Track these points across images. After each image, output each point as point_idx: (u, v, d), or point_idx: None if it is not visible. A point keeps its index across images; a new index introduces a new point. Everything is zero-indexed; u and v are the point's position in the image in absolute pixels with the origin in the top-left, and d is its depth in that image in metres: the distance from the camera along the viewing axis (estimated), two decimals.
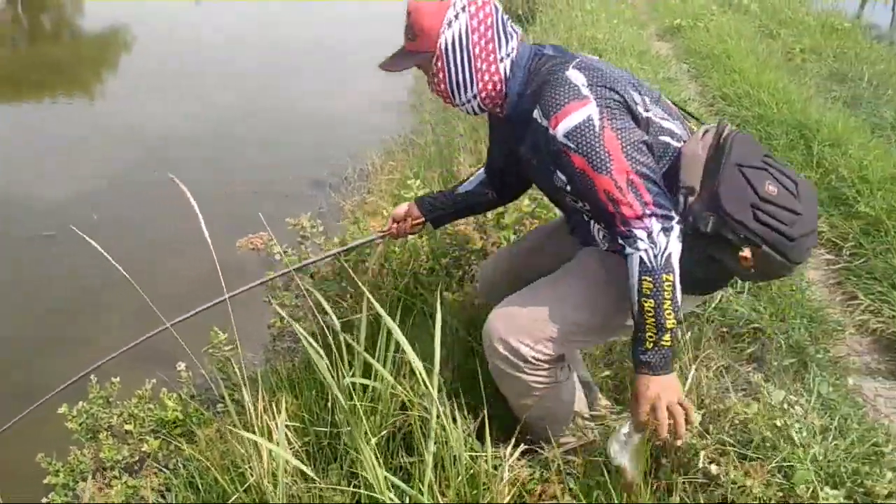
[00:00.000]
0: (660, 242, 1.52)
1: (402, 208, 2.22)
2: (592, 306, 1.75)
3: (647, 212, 1.53)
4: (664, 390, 1.52)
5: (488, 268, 2.24)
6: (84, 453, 2.34)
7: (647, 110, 1.67)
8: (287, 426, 1.87)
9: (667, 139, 1.69)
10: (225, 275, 1.96)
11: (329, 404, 1.93)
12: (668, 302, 1.52)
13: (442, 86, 1.74)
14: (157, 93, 8.61)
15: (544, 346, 1.71)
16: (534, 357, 1.71)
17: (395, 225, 2.24)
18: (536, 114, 1.63)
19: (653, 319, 1.52)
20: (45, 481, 2.23)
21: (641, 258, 1.53)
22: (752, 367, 2.41)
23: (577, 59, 1.67)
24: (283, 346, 3.18)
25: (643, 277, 1.52)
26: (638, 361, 1.56)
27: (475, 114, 1.82)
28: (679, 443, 1.58)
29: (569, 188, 1.67)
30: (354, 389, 1.71)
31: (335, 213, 5.01)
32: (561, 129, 1.57)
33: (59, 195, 5.53)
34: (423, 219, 2.18)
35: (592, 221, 1.79)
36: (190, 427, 2.45)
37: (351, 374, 1.76)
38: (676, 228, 1.55)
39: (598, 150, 1.55)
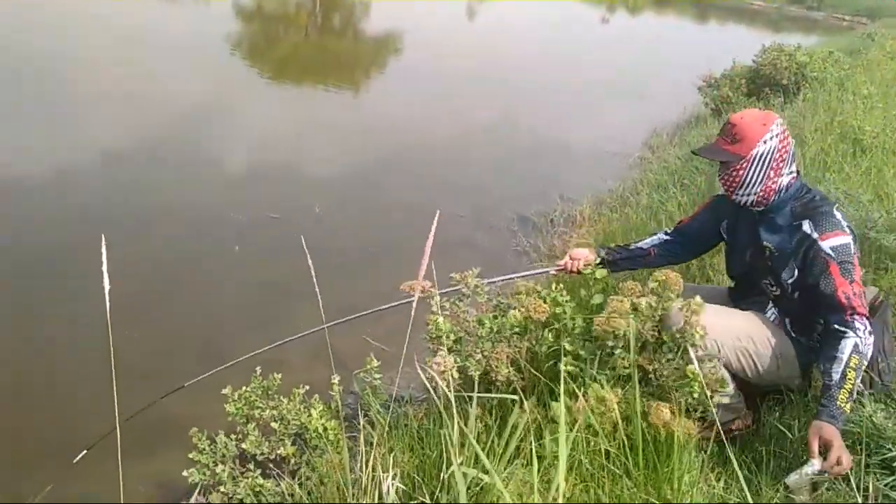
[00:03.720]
0: (868, 335, 2.07)
1: (581, 250, 2.73)
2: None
3: (866, 314, 2.11)
4: (841, 439, 1.94)
5: None
6: (231, 439, 2.52)
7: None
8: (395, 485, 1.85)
9: None
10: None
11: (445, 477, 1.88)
12: (859, 378, 2.03)
13: (736, 181, 2.31)
14: (413, 96, 9.25)
15: None
16: None
17: (570, 261, 2.70)
18: (807, 226, 2.23)
19: (851, 386, 1.99)
20: (191, 456, 2.44)
21: (856, 343, 2.04)
22: None
23: (836, 206, 2.31)
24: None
25: (854, 355, 2.02)
26: (833, 416, 1.95)
27: (742, 205, 2.38)
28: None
29: (790, 281, 2.28)
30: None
31: (532, 251, 4.97)
32: (827, 244, 2.17)
33: (302, 177, 6.15)
34: (596, 260, 2.68)
35: (772, 305, 2.39)
36: (325, 441, 2.53)
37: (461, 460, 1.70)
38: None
39: (848, 265, 2.15)
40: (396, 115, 8.38)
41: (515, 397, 1.95)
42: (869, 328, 2.07)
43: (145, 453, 2.87)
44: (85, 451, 2.76)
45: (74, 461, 2.73)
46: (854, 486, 1.82)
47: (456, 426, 1.83)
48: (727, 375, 2.24)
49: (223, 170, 6.23)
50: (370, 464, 1.97)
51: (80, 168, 5.78)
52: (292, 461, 2.48)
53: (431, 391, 1.95)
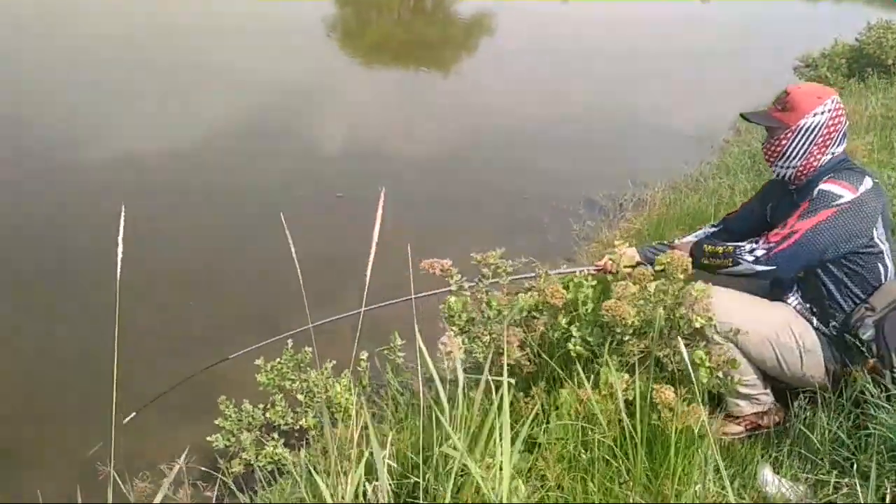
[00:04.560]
0: (750, 263, 2.15)
1: (623, 249, 2.58)
2: None
3: (771, 253, 2.12)
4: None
5: None
6: (259, 408, 2.62)
7: (882, 241, 2.18)
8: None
9: (880, 267, 2.19)
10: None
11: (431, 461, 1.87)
12: (714, 260, 2.24)
13: (778, 150, 2.24)
14: (501, 78, 9.20)
15: None
16: None
17: (609, 262, 2.54)
18: (824, 178, 2.16)
19: (708, 259, 2.25)
20: (217, 422, 2.55)
21: (742, 267, 2.16)
22: None
23: (876, 179, 2.20)
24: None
25: (729, 262, 2.19)
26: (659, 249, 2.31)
27: (778, 177, 2.35)
28: None
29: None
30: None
31: (594, 234, 4.83)
32: (824, 186, 2.13)
33: (377, 157, 6.26)
34: (637, 261, 2.50)
35: (797, 289, 2.29)
36: (346, 415, 2.58)
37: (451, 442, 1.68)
38: (754, 269, 2.16)
39: (818, 208, 2.09)
40: (482, 97, 8.37)
41: (512, 380, 1.90)
42: (758, 266, 2.12)
43: (190, 418, 3.03)
44: (134, 413, 2.94)
45: (124, 422, 2.92)
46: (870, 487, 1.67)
47: (447, 408, 1.82)
48: (745, 362, 2.12)
49: (301, 149, 6.44)
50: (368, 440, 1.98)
51: (183, 143, 6.20)
52: (312, 433, 2.54)
53: (433, 371, 1.93)
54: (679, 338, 1.90)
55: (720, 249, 2.22)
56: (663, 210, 4.59)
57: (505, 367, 1.75)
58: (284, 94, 7.91)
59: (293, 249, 1.85)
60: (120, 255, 1.45)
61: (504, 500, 1.36)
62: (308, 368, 2.76)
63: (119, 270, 1.45)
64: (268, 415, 2.58)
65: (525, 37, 11.76)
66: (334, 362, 2.77)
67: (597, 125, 7.59)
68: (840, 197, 2.09)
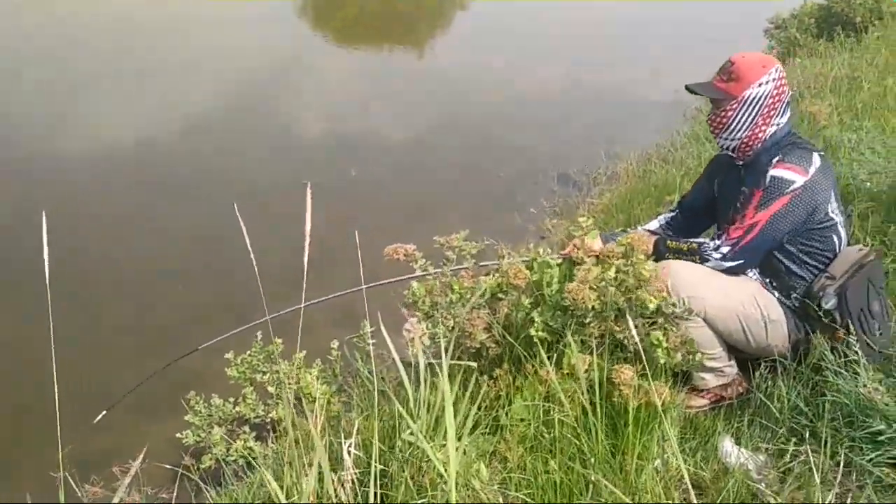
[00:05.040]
0: (716, 261, 2.17)
1: (587, 239, 2.39)
2: None
3: (737, 248, 2.15)
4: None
5: None
6: (229, 402, 2.61)
7: (835, 214, 2.20)
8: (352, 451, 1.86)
9: (834, 238, 2.21)
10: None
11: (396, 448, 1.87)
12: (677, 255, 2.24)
13: (723, 121, 2.21)
14: (475, 53, 9.12)
15: None
16: None
17: (573, 249, 2.34)
18: (775, 160, 2.14)
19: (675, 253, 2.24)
20: (186, 418, 2.54)
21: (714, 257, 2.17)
22: None
23: (822, 153, 2.20)
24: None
25: (690, 257, 2.20)
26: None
27: (722, 150, 2.33)
28: None
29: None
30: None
31: (566, 211, 4.83)
32: (774, 171, 2.12)
33: (347, 139, 6.20)
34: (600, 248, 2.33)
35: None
36: (316, 405, 2.58)
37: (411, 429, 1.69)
38: (723, 266, 2.17)
39: (773, 197, 2.11)
40: (455, 75, 8.29)
41: (473, 364, 1.91)
42: (725, 262, 2.15)
43: (163, 414, 3.02)
44: (104, 412, 2.92)
45: (95, 421, 2.90)
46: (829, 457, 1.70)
47: (411, 394, 1.83)
48: (711, 336, 2.13)
49: (268, 135, 6.39)
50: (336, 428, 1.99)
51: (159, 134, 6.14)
52: (283, 424, 2.54)
53: (396, 358, 1.93)
54: (633, 318, 1.91)
55: (684, 247, 2.23)
56: (632, 183, 4.59)
57: (448, 352, 1.75)
58: (254, 80, 7.82)
59: (248, 241, 1.84)
60: (47, 259, 1.44)
61: (452, 483, 1.36)
62: (279, 360, 2.75)
63: (48, 270, 1.44)
64: (238, 408, 2.57)
65: (496, 12, 11.64)
66: (305, 352, 2.76)
67: (570, 100, 7.54)
68: (792, 182, 2.09)
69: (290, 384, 2.66)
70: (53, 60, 8.13)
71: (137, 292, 4.10)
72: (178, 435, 2.49)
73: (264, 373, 2.70)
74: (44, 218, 1.45)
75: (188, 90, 7.40)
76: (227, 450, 2.45)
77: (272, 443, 2.44)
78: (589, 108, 7.28)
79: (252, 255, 1.93)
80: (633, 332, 1.74)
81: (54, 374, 1.56)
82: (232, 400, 2.65)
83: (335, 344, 2.80)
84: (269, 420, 2.61)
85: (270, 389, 2.65)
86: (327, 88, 7.90)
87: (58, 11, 10.17)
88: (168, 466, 2.36)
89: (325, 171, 5.56)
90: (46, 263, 1.53)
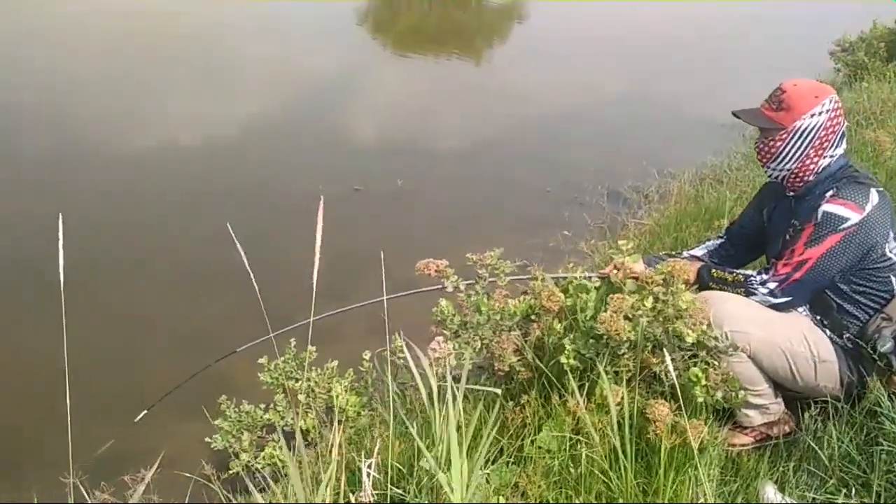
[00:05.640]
0: (765, 295, 2.05)
1: (629, 262, 2.26)
2: None
3: (784, 285, 2.04)
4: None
5: None
6: (260, 408, 2.60)
7: (894, 253, 2.07)
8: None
9: (893, 278, 2.07)
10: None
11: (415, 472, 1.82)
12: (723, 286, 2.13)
13: (772, 151, 2.10)
14: (532, 66, 9.08)
15: None
16: None
17: (613, 270, 2.25)
18: (829, 193, 2.03)
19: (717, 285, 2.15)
20: (216, 423, 2.53)
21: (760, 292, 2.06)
22: None
23: (882, 190, 2.07)
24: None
25: (739, 290, 2.09)
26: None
27: (772, 179, 2.22)
28: None
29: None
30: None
31: (615, 230, 4.70)
32: (827, 207, 2.00)
33: (397, 149, 6.21)
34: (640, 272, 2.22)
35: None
36: (347, 417, 2.55)
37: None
38: (770, 302, 2.06)
39: (824, 234, 1.99)
40: (511, 86, 8.26)
41: (498, 391, 1.84)
42: (772, 299, 2.04)
43: (201, 415, 3.03)
44: (145, 412, 2.95)
45: (136, 420, 2.93)
46: None
47: (438, 417, 1.77)
48: (756, 372, 2.01)
49: (324, 141, 6.45)
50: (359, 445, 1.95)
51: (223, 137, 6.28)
52: (311, 435, 2.52)
53: (418, 378, 1.88)
54: (671, 351, 1.81)
55: (729, 278, 2.13)
56: (683, 204, 4.44)
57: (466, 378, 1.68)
58: (311, 83, 7.93)
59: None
60: (62, 261, 1.44)
61: None
62: (312, 367, 2.74)
63: (62, 272, 1.45)
64: (268, 415, 2.56)
65: (555, 25, 11.55)
66: (336, 362, 2.74)
67: (627, 114, 7.42)
68: (847, 220, 1.98)
69: (320, 394, 2.65)
70: (150, 64, 8.41)
71: (172, 294, 4.14)
72: (206, 439, 2.49)
73: (297, 380, 2.69)
74: (59, 221, 1.45)
75: (245, 95, 7.55)
76: (255, 457, 2.43)
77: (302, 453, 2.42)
78: (644, 124, 7.13)
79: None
80: (670, 365, 1.64)
81: (66, 376, 1.56)
82: (262, 406, 2.64)
83: (367, 355, 2.77)
84: (293, 429, 2.59)
85: (301, 398, 2.63)
86: (381, 97, 7.94)
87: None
88: (187, 475, 2.36)
89: (373, 178, 5.55)
90: (61, 265, 1.53)
